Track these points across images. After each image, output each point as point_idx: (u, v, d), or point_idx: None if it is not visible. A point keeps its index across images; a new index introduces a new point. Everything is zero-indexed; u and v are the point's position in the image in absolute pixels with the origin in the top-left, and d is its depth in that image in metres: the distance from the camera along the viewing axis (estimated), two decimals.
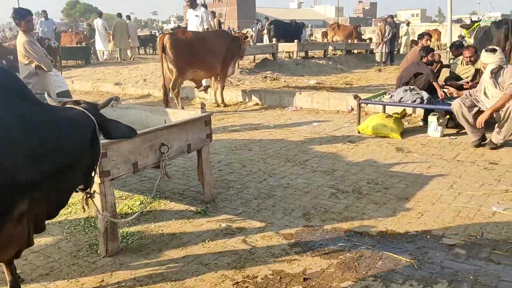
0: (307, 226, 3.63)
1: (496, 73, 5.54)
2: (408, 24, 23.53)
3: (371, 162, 5.29)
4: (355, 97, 6.90)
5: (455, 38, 15.36)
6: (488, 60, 5.54)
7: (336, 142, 6.21)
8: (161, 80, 8.60)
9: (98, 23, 17.67)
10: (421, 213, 3.82)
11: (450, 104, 5.93)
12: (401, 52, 20.07)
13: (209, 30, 9.41)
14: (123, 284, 2.89)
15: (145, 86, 11.30)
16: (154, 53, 23.27)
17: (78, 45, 18.40)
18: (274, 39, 15.25)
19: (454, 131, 6.48)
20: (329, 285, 2.81)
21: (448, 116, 6.32)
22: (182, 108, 7.86)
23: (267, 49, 13.83)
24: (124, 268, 3.07)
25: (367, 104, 7.14)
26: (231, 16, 76.28)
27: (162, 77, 8.09)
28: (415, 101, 6.29)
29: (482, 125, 5.52)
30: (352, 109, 7.96)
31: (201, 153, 3.97)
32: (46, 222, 2.37)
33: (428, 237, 3.40)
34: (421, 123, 7.01)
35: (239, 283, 2.85)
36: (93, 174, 2.53)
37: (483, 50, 5.67)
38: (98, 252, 3.27)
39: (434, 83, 6.45)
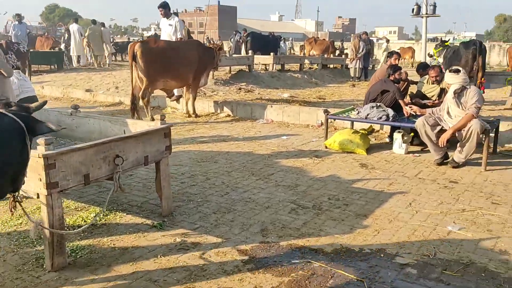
0: (263, 242, 3.60)
1: (459, 93, 5.65)
2: (388, 41, 24.02)
3: (335, 177, 5.31)
4: (325, 111, 6.94)
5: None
6: (452, 80, 5.65)
7: (303, 157, 6.22)
8: None
9: (73, 28, 17.45)
10: (378, 231, 3.83)
11: (414, 122, 6.02)
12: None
13: (183, 39, 9.36)
14: None
15: (116, 94, 11.15)
16: None
17: (52, 50, 18.10)
18: (250, 51, 15.28)
19: (418, 148, 6.58)
20: None
21: (412, 134, 6.41)
22: (152, 118, 7.77)
23: (243, 61, 13.87)
24: (69, 284, 2.96)
25: (334, 119, 7.19)
26: (212, 26, 76.54)
27: (131, 86, 7.99)
28: (380, 118, 6.36)
29: (444, 144, 5.61)
30: (322, 124, 8.00)
31: (159, 165, 3.91)
32: None
33: (382, 255, 3.40)
34: (387, 140, 7.10)
35: None
36: (22, 177, 2.40)
37: (447, 71, 5.80)
38: (44, 267, 3.15)
39: (400, 101, 6.55)
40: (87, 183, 3.20)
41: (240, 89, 11.96)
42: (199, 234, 3.73)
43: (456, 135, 5.66)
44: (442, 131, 5.73)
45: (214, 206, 4.36)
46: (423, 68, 7.54)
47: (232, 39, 22.55)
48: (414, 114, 6.35)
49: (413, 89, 7.73)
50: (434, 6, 20.19)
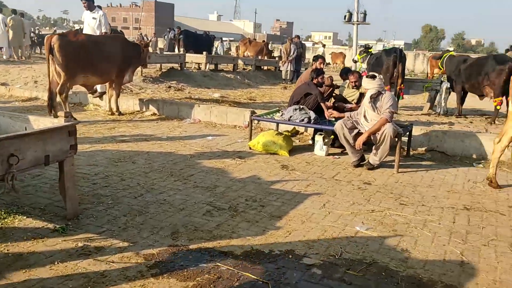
0: (172, 246, 3.49)
1: (375, 98, 5.87)
2: (324, 46, 24.75)
3: (255, 178, 5.31)
4: (252, 112, 6.96)
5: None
6: (368, 85, 5.87)
7: (226, 157, 6.18)
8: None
9: None
10: (290, 232, 3.86)
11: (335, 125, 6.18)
12: None
13: (107, 34, 8.99)
14: None
15: (34, 88, 10.50)
16: None
17: None
18: (182, 49, 15.04)
19: (339, 150, 6.77)
20: None
21: (332, 136, 6.58)
22: (55, 115, 7.36)
23: (174, 58, 13.62)
24: None
25: (259, 120, 7.22)
26: (148, 22, 74.68)
27: (48, 81, 7.53)
28: (303, 120, 6.48)
29: (360, 147, 5.81)
30: (248, 125, 8.01)
31: (63, 165, 3.67)
32: None
33: (290, 256, 3.42)
34: (310, 142, 7.24)
35: None
36: None
37: (364, 76, 6.01)
38: None
39: (322, 104, 6.71)
40: None
41: (170, 87, 11.73)
42: (104, 238, 3.55)
43: (372, 138, 5.89)
44: (359, 134, 5.93)
45: (125, 208, 4.19)
46: (345, 73, 7.79)
47: (166, 36, 22.10)
48: (333, 117, 6.52)
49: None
50: (365, 14, 21.06)
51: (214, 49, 25.04)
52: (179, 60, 13.56)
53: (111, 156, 5.91)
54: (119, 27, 52.95)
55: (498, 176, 5.39)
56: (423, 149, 6.95)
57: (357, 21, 20.75)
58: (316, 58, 8.31)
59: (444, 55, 10.47)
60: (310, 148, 6.90)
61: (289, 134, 7.11)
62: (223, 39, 30.02)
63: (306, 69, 20.72)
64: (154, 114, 8.94)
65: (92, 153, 5.92)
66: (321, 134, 6.61)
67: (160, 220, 3.96)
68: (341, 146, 6.74)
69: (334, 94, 7.57)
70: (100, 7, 9.60)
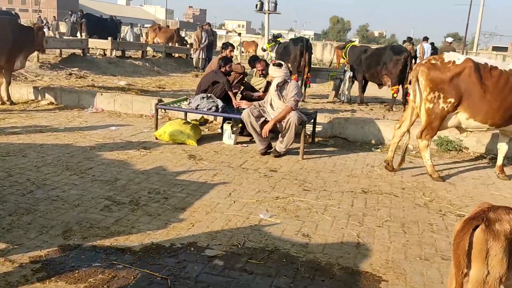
0: (63, 246, 3.23)
1: (281, 87, 5.93)
2: (239, 34, 24.72)
3: (160, 170, 5.12)
4: (159, 101, 6.71)
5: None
6: (275, 74, 5.91)
7: (130, 148, 5.89)
8: None
9: None
10: (193, 224, 3.76)
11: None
12: (239, 60, 20.91)
13: None
14: None
15: None
16: None
17: None
18: (84, 34, 14.14)
19: (247, 139, 6.77)
20: None
21: (240, 125, 6.57)
22: None
23: (76, 44, 12.76)
24: None
25: (165, 109, 6.99)
26: (49, 5, 69.43)
27: None
28: (210, 109, 6.38)
29: (267, 135, 5.86)
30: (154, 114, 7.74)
31: None
32: None
33: (192, 249, 3.33)
34: (219, 131, 7.17)
35: None
36: None
37: (271, 64, 6.04)
38: None
39: (229, 92, 6.65)
40: None
41: (71, 74, 10.98)
42: None
43: (278, 126, 5.96)
44: (266, 122, 5.97)
45: (11, 207, 3.80)
46: (253, 61, 7.79)
47: (67, 20, 20.64)
48: (239, 107, 6.50)
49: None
50: (275, 3, 21.30)
51: (122, 35, 23.94)
52: (81, 45, 12.72)
53: None
54: (16, 9, 48.54)
55: (394, 160, 5.73)
56: (328, 135, 7.20)
57: (268, 10, 20.97)
58: (225, 46, 8.19)
59: (347, 46, 10.95)
60: (219, 137, 6.84)
61: (198, 123, 6.98)
62: (133, 24, 28.80)
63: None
64: (51, 103, 8.28)
65: None
66: (229, 123, 6.57)
67: (50, 219, 3.65)
68: (249, 134, 6.76)
69: (244, 81, 7.55)
70: None
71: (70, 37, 14.94)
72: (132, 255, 3.19)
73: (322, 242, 3.56)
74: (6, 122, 6.75)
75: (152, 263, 3.09)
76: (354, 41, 12.60)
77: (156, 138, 6.39)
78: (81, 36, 15.17)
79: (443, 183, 5.25)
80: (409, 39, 16.16)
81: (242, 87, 7.37)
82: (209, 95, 6.56)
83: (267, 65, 6.98)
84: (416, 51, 15.38)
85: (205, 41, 16.22)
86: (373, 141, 7.03)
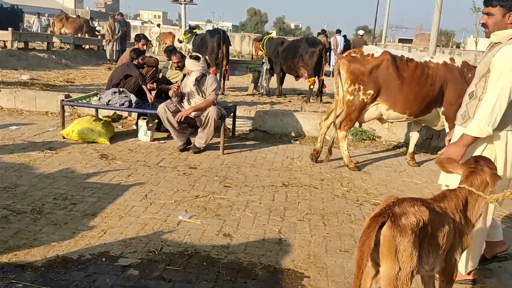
0: None
1: (199, 81, 5.73)
2: (158, 25, 23.84)
3: (67, 172, 4.71)
4: (67, 96, 6.18)
5: None
6: (192, 67, 5.68)
7: (33, 150, 5.37)
8: None
9: None
10: (105, 231, 3.48)
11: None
12: (157, 53, 20.12)
13: None
14: None
15: None
16: None
17: None
18: None
19: (165, 135, 6.49)
20: None
21: (157, 120, 6.28)
22: None
23: None
24: None
25: (73, 106, 6.48)
26: None
27: None
28: (123, 104, 6.01)
29: (182, 118, 5.56)
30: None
31: None
32: None
33: (104, 260, 3.06)
34: (134, 127, 6.80)
35: None
36: None
37: (187, 57, 5.80)
38: None
39: (143, 86, 6.32)
40: None
41: None
42: None
43: (196, 121, 5.77)
44: (184, 118, 5.75)
45: None
46: (169, 51, 7.47)
47: None
48: (155, 101, 6.21)
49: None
50: None
51: (26, 25, 22.11)
52: None
53: None
54: None
55: (322, 151, 5.79)
56: (247, 129, 7.14)
57: (185, 0, 20.48)
58: (138, 38, 7.78)
59: (264, 37, 10.95)
60: (134, 133, 6.48)
61: (110, 119, 6.55)
62: (40, 14, 26.67)
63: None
64: None
65: None
66: (144, 119, 6.24)
67: None
68: (167, 130, 6.49)
69: (159, 74, 7.23)
70: None
71: None
72: (33, 271, 2.85)
73: (244, 241, 3.46)
74: None
75: (57, 279, 2.78)
76: (271, 33, 12.66)
77: (63, 138, 5.91)
78: None
79: (359, 173, 5.41)
80: (323, 32, 16.64)
81: (156, 81, 7.04)
82: (121, 89, 6.18)
83: (183, 57, 6.72)
84: (330, 43, 15.88)
85: (118, 32, 15.43)
86: (292, 133, 7.09)
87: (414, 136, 5.82)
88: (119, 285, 2.77)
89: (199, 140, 5.81)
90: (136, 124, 6.67)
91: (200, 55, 5.89)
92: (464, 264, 2.91)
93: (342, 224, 3.90)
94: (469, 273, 2.98)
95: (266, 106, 8.61)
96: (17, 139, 5.79)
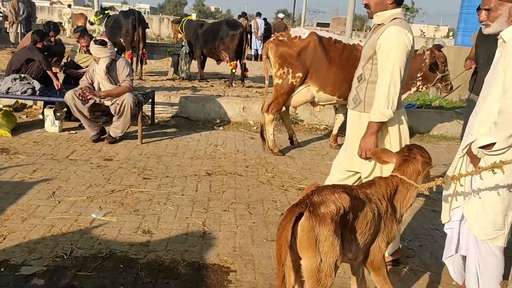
0: None
1: (109, 68, 5.29)
2: (69, 6, 22.10)
3: None
4: None
5: None
6: (100, 54, 5.22)
7: None
8: None
9: None
10: (4, 236, 3.07)
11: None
12: (70, 36, 18.62)
13: None
14: None
15: None
16: None
17: None
18: None
19: (76, 124, 5.98)
20: None
21: (66, 109, 5.74)
22: None
23: None
24: None
25: None
26: None
27: None
28: (25, 91, 5.42)
29: (87, 95, 5.13)
30: None
31: None
32: None
33: (3, 269, 2.69)
34: (41, 117, 6.19)
35: None
36: None
37: (92, 42, 5.31)
38: None
39: (49, 72, 5.74)
40: None
41: None
42: None
43: (110, 109, 5.35)
44: (95, 105, 5.31)
45: None
46: (81, 32, 6.85)
47: None
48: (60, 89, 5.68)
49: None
50: None
51: None
52: None
53: None
54: None
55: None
56: (168, 116, 6.81)
57: None
58: (48, 27, 6.95)
59: (183, 20, 10.53)
60: (41, 124, 5.89)
61: (11, 109, 5.90)
62: None
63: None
64: None
65: None
66: (51, 107, 5.68)
67: None
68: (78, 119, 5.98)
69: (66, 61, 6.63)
70: None
71: None
72: None
73: (165, 237, 3.22)
74: None
75: None
76: (190, 15, 12.21)
77: None
78: None
79: (284, 158, 5.35)
80: (244, 14, 16.46)
81: (63, 66, 6.44)
82: (23, 75, 5.56)
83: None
84: (251, 26, 15.76)
85: (23, 13, 14.06)
86: (215, 119, 6.88)
87: (339, 119, 5.86)
88: None
89: (114, 129, 5.41)
90: (43, 113, 6.07)
91: (106, 40, 5.41)
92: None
93: (268, 211, 3.80)
94: (391, 254, 3.01)
95: (188, 91, 8.30)
96: None
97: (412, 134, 6.86)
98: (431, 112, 7.26)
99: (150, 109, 6.37)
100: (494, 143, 2.23)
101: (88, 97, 5.13)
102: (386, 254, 2.92)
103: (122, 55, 9.37)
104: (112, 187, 4.09)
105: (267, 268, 2.91)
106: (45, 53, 5.92)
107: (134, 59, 9.56)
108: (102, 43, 5.14)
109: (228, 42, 9.29)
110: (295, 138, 5.84)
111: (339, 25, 49.03)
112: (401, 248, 3.11)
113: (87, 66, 6.25)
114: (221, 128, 6.56)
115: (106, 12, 10.12)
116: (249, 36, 11.36)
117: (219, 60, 9.97)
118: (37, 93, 5.45)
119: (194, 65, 10.59)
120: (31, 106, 6.62)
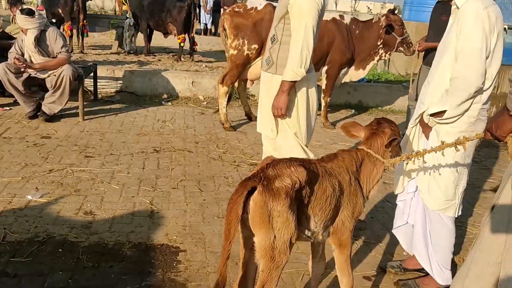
0: None
1: (39, 39, 4.88)
2: None
3: None
4: None
5: None
6: (27, 25, 4.79)
7: None
8: None
9: None
10: None
11: None
12: (5, 7, 17.13)
13: None
14: None
15: None
16: None
17: None
18: None
19: (11, 100, 5.52)
20: None
21: None
22: None
23: None
24: None
25: None
26: None
27: None
28: None
29: (20, 65, 4.75)
30: None
31: None
32: None
33: None
34: None
35: None
36: None
37: (18, 12, 4.87)
38: None
39: None
40: None
41: None
42: None
43: (47, 84, 4.97)
44: (30, 79, 4.91)
45: None
46: (13, 1, 6.27)
47: None
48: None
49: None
50: None
51: None
52: None
53: None
54: None
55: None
56: (112, 91, 6.46)
57: None
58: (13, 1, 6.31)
59: None
60: None
61: None
62: None
63: None
64: None
65: None
66: None
67: None
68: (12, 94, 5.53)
69: None
70: None
71: None
72: None
73: (109, 218, 3.03)
74: None
75: None
76: None
77: None
78: None
79: (235, 133, 5.21)
80: None
81: None
82: None
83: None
84: None
85: None
86: (163, 94, 6.60)
87: None
88: None
89: (50, 105, 5.02)
90: None
91: (34, 9, 4.99)
92: None
93: (219, 188, 3.67)
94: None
95: (133, 65, 7.91)
96: None
97: (361, 108, 6.95)
98: (379, 85, 7.35)
99: (93, 84, 6.00)
100: (445, 111, 2.20)
101: (22, 69, 4.73)
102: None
103: (62, 27, 8.80)
104: (50, 166, 3.80)
105: (219, 246, 2.80)
106: None
107: (74, 31, 8.97)
108: (29, 13, 4.72)
109: (175, 15, 8.90)
110: (253, 115, 5.70)
111: None
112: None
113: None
114: (169, 103, 6.30)
115: None
116: (197, 10, 10.96)
117: (166, 33, 9.56)
118: None
119: (141, 39, 10.12)
120: None
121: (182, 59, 9.13)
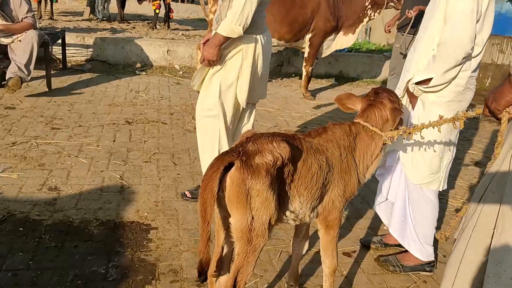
0: None
1: (2, 3, 4.52)
2: None
3: None
4: None
5: None
6: None
7: None
8: None
9: None
10: None
11: None
12: None
13: None
14: None
15: None
16: None
17: None
18: None
19: None
20: None
21: None
22: None
23: None
24: None
25: None
26: None
27: None
28: None
29: None
30: None
31: None
32: None
33: None
34: None
35: None
36: None
37: None
38: None
39: None
40: None
41: None
42: None
43: (10, 48, 4.64)
44: None
45: None
46: None
47: None
48: None
49: None
50: None
51: None
52: None
53: None
54: None
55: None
56: (82, 59, 6.14)
57: None
58: None
59: None
60: None
61: None
62: None
63: None
64: None
65: None
66: None
67: None
68: None
69: None
70: None
71: None
72: None
73: (76, 194, 2.84)
74: None
75: None
76: None
77: None
78: None
79: None
80: None
81: None
82: None
83: None
84: None
85: None
86: (137, 63, 6.31)
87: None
88: None
89: (15, 72, 4.69)
90: None
91: None
92: None
93: (194, 162, 3.51)
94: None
95: (106, 32, 7.54)
96: None
97: (342, 78, 6.80)
98: (360, 55, 7.19)
99: (61, 52, 5.67)
100: (431, 79, 2.06)
101: None
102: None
103: None
104: (14, 139, 3.56)
105: (193, 223, 2.66)
106: None
107: None
108: None
109: None
110: None
111: None
112: None
113: None
114: (143, 73, 6.04)
115: None
116: None
117: (140, 0, 9.16)
118: None
119: (114, 5, 9.67)
120: None
121: (157, 27, 8.78)
